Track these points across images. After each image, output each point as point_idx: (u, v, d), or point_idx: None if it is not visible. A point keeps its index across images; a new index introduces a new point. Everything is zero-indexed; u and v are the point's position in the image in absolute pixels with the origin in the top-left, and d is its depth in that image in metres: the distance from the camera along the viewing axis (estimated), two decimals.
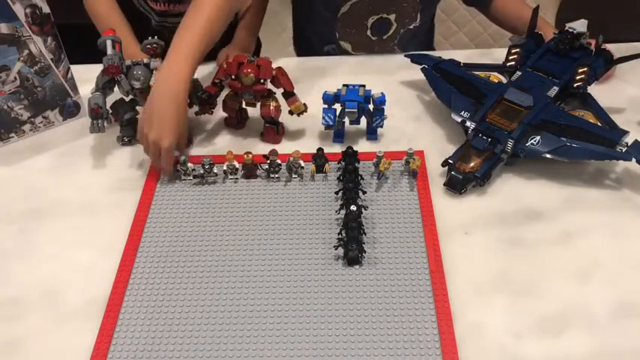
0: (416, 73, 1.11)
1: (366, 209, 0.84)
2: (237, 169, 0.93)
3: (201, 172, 0.92)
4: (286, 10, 1.48)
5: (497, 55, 1.14)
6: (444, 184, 0.91)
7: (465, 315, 0.75)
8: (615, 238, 0.85)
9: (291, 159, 0.92)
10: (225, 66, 0.97)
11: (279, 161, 0.93)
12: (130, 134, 1.01)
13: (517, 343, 0.73)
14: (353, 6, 1.12)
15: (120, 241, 0.85)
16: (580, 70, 1.00)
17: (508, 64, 1.06)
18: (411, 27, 1.24)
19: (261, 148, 0.98)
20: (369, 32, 1.21)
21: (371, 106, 0.98)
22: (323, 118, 0.98)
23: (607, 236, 0.85)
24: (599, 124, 0.95)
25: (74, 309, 0.77)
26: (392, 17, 1.16)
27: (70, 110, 1.06)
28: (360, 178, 0.89)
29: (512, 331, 0.74)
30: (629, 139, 0.90)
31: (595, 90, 1.02)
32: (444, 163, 0.92)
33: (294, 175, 0.94)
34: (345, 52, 1.26)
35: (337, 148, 0.96)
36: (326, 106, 0.97)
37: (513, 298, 0.77)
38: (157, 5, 1.17)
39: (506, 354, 0.72)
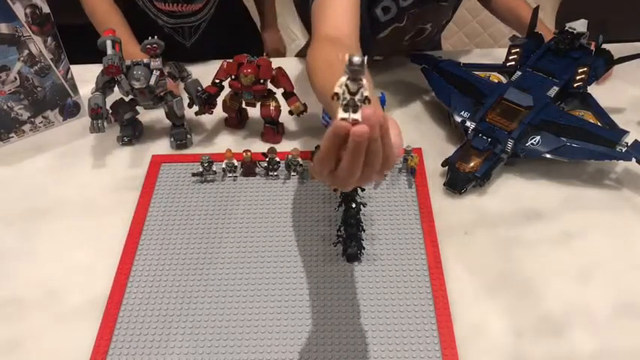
0: (416, 73, 1.11)
1: (364, 206, 0.84)
2: (235, 167, 0.94)
3: (200, 170, 0.92)
4: (287, 10, 1.48)
5: (497, 55, 1.14)
6: (444, 184, 0.91)
7: (465, 315, 0.75)
8: (615, 238, 0.85)
9: (290, 157, 0.92)
10: (225, 66, 0.97)
11: (277, 159, 0.93)
12: (129, 134, 1.01)
13: (517, 343, 0.73)
14: (393, 30, 1.07)
15: (119, 241, 0.85)
16: (580, 70, 0.99)
17: (508, 64, 1.06)
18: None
19: (261, 148, 0.98)
20: (404, 42, 1.15)
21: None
22: (323, 117, 0.98)
23: (607, 236, 0.85)
24: (599, 124, 0.95)
25: (74, 309, 0.77)
26: (428, 26, 1.12)
27: (70, 110, 1.06)
28: None
29: (512, 331, 0.74)
30: (629, 139, 0.90)
31: (595, 90, 1.02)
32: (444, 163, 0.92)
33: (292, 173, 0.94)
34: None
35: None
36: None
37: (513, 298, 0.77)
38: (165, 6, 1.17)
39: (506, 354, 0.72)
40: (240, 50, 0.98)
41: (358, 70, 0.46)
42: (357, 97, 0.47)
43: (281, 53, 1.51)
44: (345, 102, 0.47)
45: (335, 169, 0.51)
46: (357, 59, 0.46)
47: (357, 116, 0.47)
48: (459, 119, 0.97)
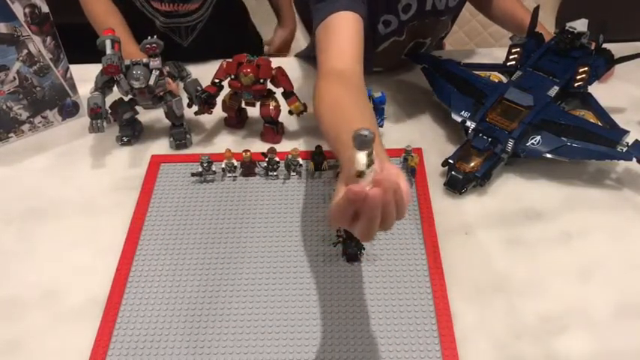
0: (416, 73, 1.11)
1: None
2: (235, 167, 0.93)
3: (200, 170, 0.92)
4: None
5: (498, 54, 1.14)
6: (444, 184, 0.91)
7: (465, 315, 0.75)
8: (615, 238, 0.85)
9: (290, 157, 0.92)
10: (224, 65, 0.96)
11: (277, 159, 0.93)
12: (129, 134, 1.01)
13: (517, 343, 0.72)
14: (393, 43, 1.07)
15: (119, 241, 0.84)
16: (581, 70, 0.99)
17: (508, 63, 1.06)
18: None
19: (261, 147, 0.98)
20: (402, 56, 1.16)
21: (371, 106, 0.97)
22: None
23: (607, 236, 0.85)
24: (599, 123, 0.95)
25: (73, 309, 0.77)
26: (427, 40, 1.13)
27: (69, 110, 1.06)
28: None
29: (512, 331, 0.74)
30: (629, 139, 0.90)
31: (595, 89, 1.01)
32: (444, 163, 0.92)
33: (292, 173, 0.94)
34: None
35: None
36: None
37: (513, 298, 0.77)
38: (162, 6, 1.16)
39: (506, 354, 0.71)
40: (238, 51, 0.97)
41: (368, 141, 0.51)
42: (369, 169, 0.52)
43: (282, 55, 1.50)
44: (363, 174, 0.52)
45: (351, 224, 0.55)
46: (365, 133, 0.50)
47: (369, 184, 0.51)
48: (458, 119, 0.97)
